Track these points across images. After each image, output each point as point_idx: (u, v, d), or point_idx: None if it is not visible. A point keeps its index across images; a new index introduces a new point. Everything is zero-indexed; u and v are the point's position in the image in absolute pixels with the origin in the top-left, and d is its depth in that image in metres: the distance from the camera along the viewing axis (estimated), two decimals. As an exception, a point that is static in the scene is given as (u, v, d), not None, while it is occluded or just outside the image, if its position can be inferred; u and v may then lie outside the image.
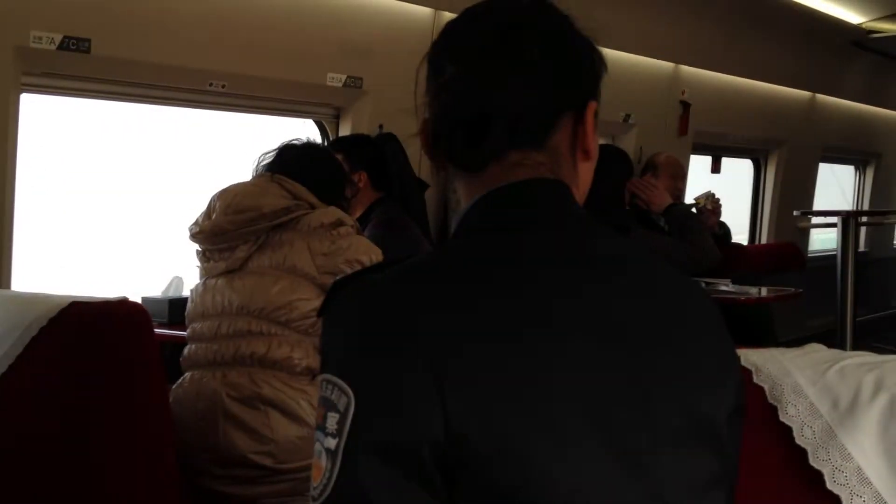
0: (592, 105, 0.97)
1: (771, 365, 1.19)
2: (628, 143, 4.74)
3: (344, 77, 3.28)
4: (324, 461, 0.78)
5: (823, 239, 6.91)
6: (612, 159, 3.10)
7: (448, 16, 3.47)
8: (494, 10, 0.97)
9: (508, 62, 0.91)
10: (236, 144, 3.47)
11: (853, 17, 6.04)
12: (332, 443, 0.77)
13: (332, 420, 0.78)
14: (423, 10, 3.53)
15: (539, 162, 0.93)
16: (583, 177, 0.98)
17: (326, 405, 0.79)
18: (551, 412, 0.79)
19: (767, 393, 1.17)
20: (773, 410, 1.16)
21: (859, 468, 1.07)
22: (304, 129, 3.56)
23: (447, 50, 0.96)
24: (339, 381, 0.79)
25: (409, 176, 3.21)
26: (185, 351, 2.23)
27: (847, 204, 7.67)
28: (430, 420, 0.76)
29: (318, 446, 0.79)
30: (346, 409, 0.77)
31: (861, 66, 6.85)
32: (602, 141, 4.07)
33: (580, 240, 0.91)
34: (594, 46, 0.99)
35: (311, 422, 2.03)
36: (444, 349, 0.78)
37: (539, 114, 0.93)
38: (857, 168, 7.71)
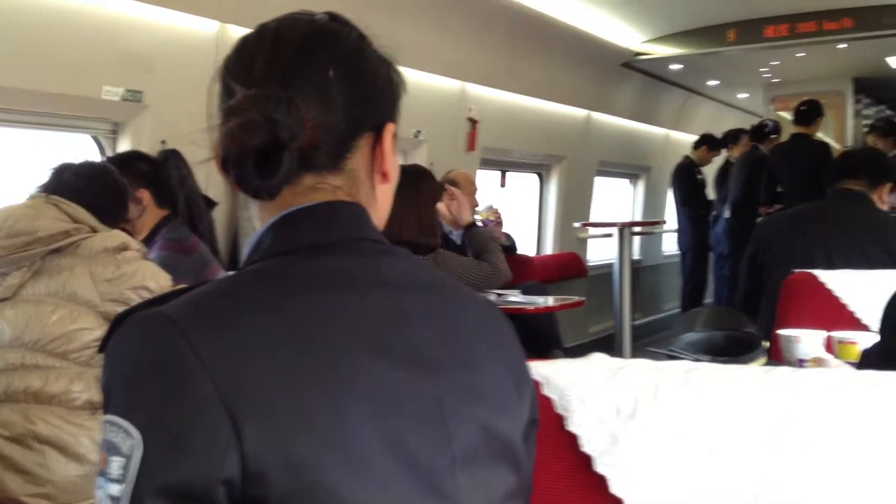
0: (390, 127, 0.95)
1: (558, 376, 1.23)
2: (419, 159, 4.80)
3: (121, 90, 3.11)
4: None
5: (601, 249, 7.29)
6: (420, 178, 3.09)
7: (235, 29, 3.39)
8: (286, 27, 0.92)
9: (301, 83, 0.88)
10: (8, 162, 3.22)
11: (623, 40, 6.45)
12: (116, 489, 0.72)
13: (116, 465, 0.73)
14: (208, 23, 3.42)
15: (335, 185, 0.91)
16: (381, 199, 0.96)
17: (109, 449, 0.74)
18: (349, 441, 0.77)
19: (555, 403, 1.20)
20: (561, 420, 1.19)
21: (641, 471, 1.12)
22: (83, 146, 3.36)
23: (236, 69, 0.91)
24: (123, 423, 0.74)
25: (195, 193, 3.09)
26: (-50, 388, 2.04)
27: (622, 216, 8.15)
28: (223, 459, 0.73)
29: (100, 493, 0.74)
30: (132, 452, 0.72)
31: (631, 86, 7.32)
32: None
33: (376, 263, 0.89)
34: (393, 66, 0.97)
35: (92, 459, 1.91)
36: (235, 384, 0.75)
37: (334, 136, 0.89)
38: (629, 181, 8.21)
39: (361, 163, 0.93)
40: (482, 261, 3.59)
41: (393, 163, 0.96)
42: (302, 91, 0.86)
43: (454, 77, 5.08)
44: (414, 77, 1.00)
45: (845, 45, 6.55)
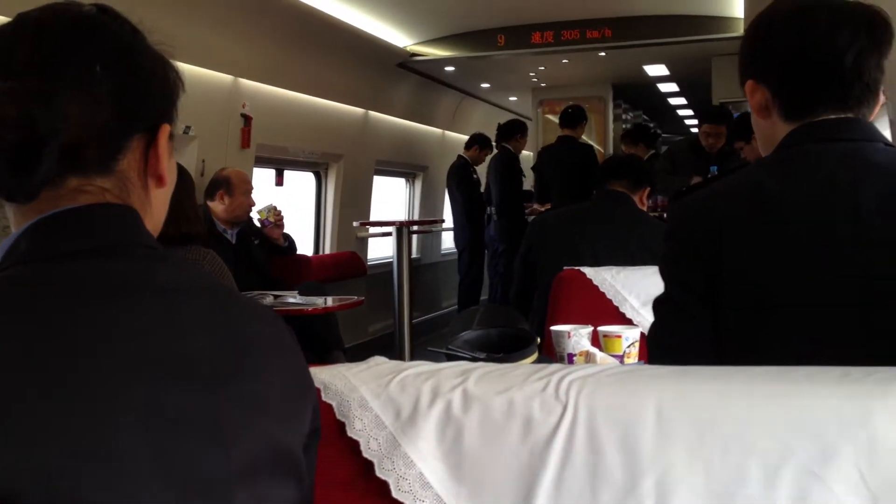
0: (166, 128, 0.90)
1: (338, 381, 1.20)
2: (190, 156, 4.62)
3: None
4: None
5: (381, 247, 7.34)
6: None
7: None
8: (49, 17, 0.85)
9: (65, 78, 0.81)
10: None
11: (399, 40, 6.52)
12: None
13: None
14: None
15: (103, 188, 0.85)
16: (157, 204, 0.92)
17: None
18: (117, 458, 0.71)
19: (336, 409, 1.18)
20: (342, 426, 1.17)
21: (421, 474, 1.11)
22: None
23: None
24: None
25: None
26: None
27: (402, 214, 8.26)
28: None
29: None
30: None
31: (407, 86, 7.41)
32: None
33: (145, 270, 0.84)
34: (170, 64, 0.91)
35: None
36: None
37: (101, 137, 0.83)
38: (407, 180, 8.32)
39: (133, 165, 0.88)
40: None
41: (169, 166, 0.91)
42: (66, 86, 0.79)
43: (226, 72, 4.92)
44: (182, 70, 0.94)
45: (605, 54, 6.98)
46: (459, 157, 7.52)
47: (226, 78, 4.95)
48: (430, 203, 8.43)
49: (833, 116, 1.37)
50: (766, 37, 1.42)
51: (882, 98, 1.41)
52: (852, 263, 1.28)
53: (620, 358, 2.11)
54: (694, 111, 11.17)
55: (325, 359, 4.24)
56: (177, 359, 0.79)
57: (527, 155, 8.09)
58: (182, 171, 3.30)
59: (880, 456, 0.94)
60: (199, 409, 0.78)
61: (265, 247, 4.62)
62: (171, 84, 0.92)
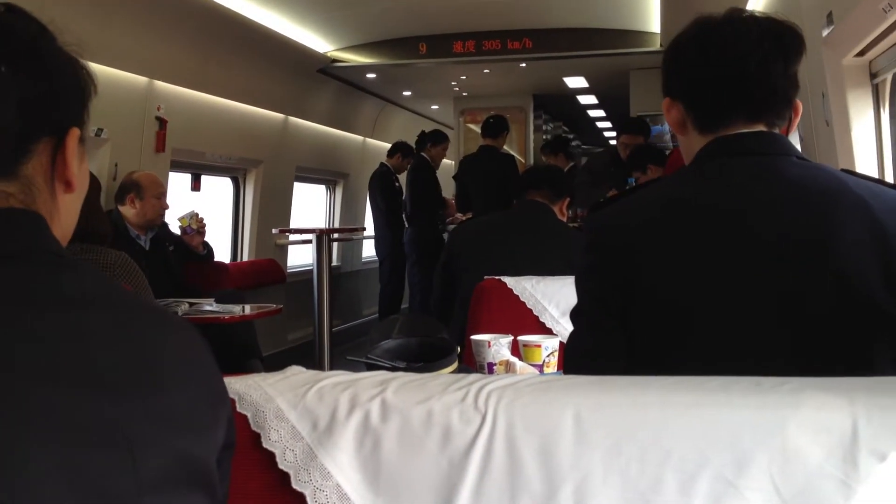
0: (75, 132, 0.87)
1: (253, 392, 1.17)
2: (102, 159, 4.50)
3: None
4: None
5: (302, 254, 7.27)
6: None
7: None
8: None
9: None
10: None
11: (320, 45, 6.47)
12: None
13: None
14: None
15: (7, 192, 0.82)
16: (65, 210, 0.88)
17: None
18: (24, 469, 0.69)
19: (251, 420, 1.15)
20: (257, 437, 1.15)
21: (338, 485, 1.10)
22: None
23: None
24: None
25: None
26: None
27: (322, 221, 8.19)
28: None
29: None
30: None
31: (328, 92, 7.37)
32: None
33: (50, 278, 0.81)
34: (81, 66, 0.88)
35: None
36: None
37: (6, 139, 0.81)
38: (327, 187, 8.26)
39: (39, 169, 0.85)
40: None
41: (80, 171, 0.88)
42: None
43: (141, 73, 4.81)
44: (96, 71, 0.91)
45: (525, 65, 7.05)
46: (382, 164, 7.49)
47: (140, 80, 4.83)
48: (351, 210, 8.38)
49: (746, 130, 1.38)
50: (676, 53, 1.44)
51: (801, 110, 1.43)
52: (766, 279, 1.28)
53: (540, 367, 2.12)
54: (612, 123, 11.38)
55: (243, 368, 4.17)
56: (84, 371, 0.76)
57: (448, 164, 8.11)
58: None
59: (792, 464, 0.96)
60: (108, 422, 0.76)
61: (180, 253, 4.52)
62: (81, 86, 0.89)
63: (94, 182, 3.15)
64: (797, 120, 1.43)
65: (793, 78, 1.38)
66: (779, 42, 1.35)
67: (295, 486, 1.11)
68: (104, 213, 3.26)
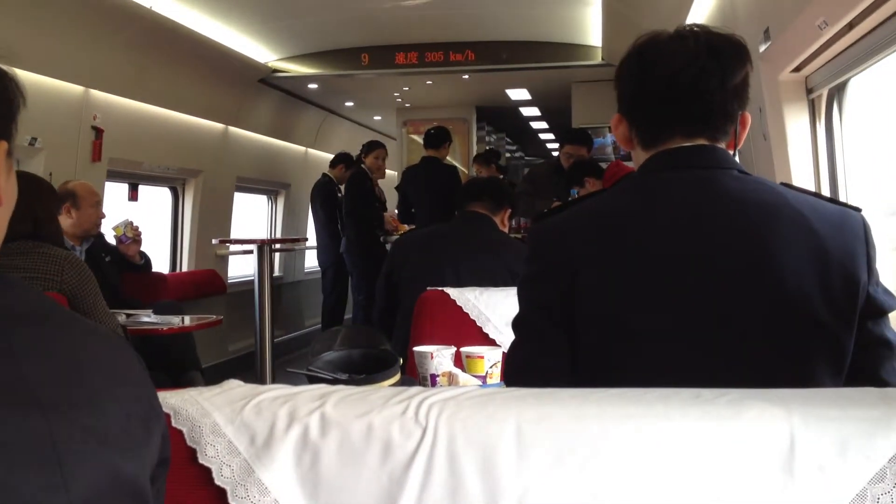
0: (2, 145, 0.83)
1: (189, 406, 1.15)
2: (35, 169, 4.39)
3: None
4: None
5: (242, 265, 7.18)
6: None
7: None
8: None
9: None
10: None
11: (261, 55, 6.41)
12: None
13: None
14: None
15: None
16: None
17: None
18: None
19: (186, 435, 1.13)
20: (193, 452, 1.12)
21: (276, 501, 1.08)
22: None
23: None
24: None
25: None
26: None
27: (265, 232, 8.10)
28: None
29: None
30: None
31: (269, 102, 7.30)
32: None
33: None
34: (8, 76, 0.84)
35: None
36: None
37: None
38: (269, 198, 8.18)
39: None
40: None
41: (8, 184, 0.85)
42: None
43: (75, 82, 4.71)
44: (26, 79, 0.87)
45: (468, 77, 7.08)
46: (324, 175, 7.45)
47: (76, 88, 4.73)
48: (293, 221, 8.31)
49: (686, 144, 1.39)
50: (620, 69, 1.45)
51: (749, 123, 1.42)
52: (705, 293, 1.29)
53: (483, 378, 2.12)
54: (555, 135, 11.48)
55: (182, 380, 4.10)
56: (12, 386, 0.74)
57: (391, 175, 8.09)
58: (36, 179, 3.25)
59: (731, 474, 0.97)
60: (36, 439, 0.74)
61: (117, 263, 4.43)
62: (8, 98, 0.85)
63: (53, 192, 3.17)
64: (744, 133, 1.43)
65: (734, 91, 1.37)
66: (716, 56, 1.35)
67: (232, 502, 1.09)
68: (59, 223, 3.30)
